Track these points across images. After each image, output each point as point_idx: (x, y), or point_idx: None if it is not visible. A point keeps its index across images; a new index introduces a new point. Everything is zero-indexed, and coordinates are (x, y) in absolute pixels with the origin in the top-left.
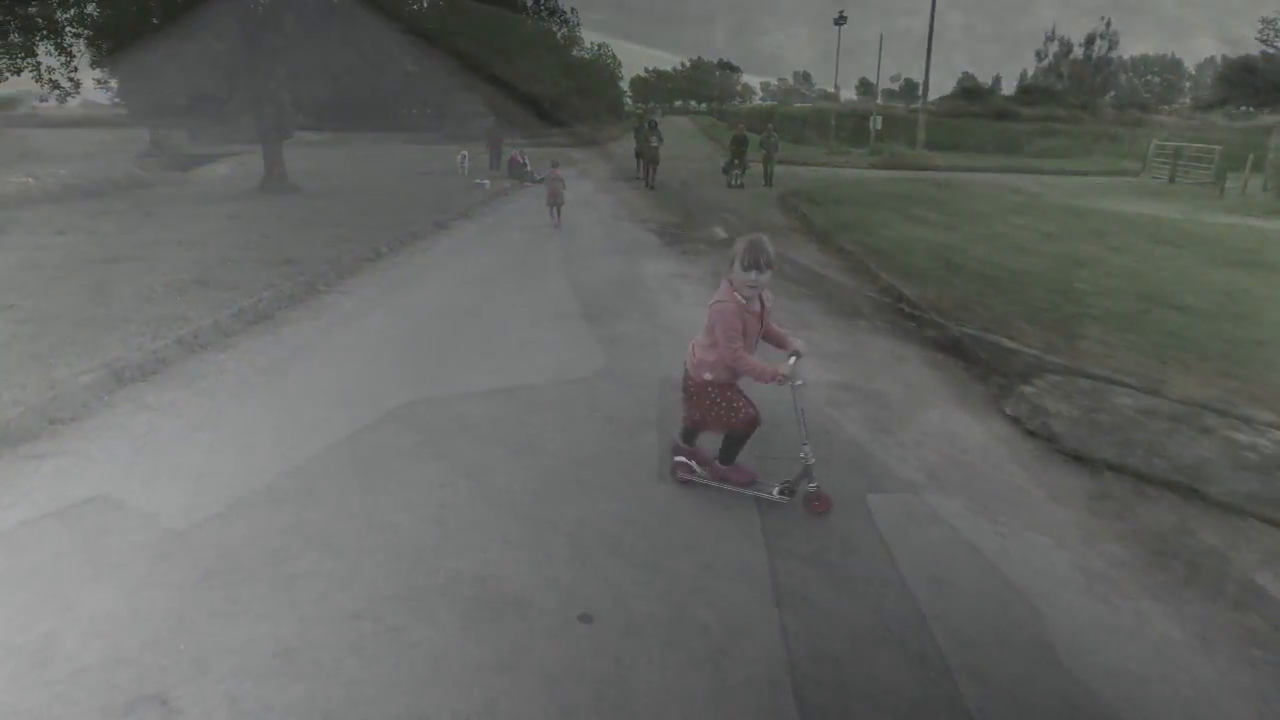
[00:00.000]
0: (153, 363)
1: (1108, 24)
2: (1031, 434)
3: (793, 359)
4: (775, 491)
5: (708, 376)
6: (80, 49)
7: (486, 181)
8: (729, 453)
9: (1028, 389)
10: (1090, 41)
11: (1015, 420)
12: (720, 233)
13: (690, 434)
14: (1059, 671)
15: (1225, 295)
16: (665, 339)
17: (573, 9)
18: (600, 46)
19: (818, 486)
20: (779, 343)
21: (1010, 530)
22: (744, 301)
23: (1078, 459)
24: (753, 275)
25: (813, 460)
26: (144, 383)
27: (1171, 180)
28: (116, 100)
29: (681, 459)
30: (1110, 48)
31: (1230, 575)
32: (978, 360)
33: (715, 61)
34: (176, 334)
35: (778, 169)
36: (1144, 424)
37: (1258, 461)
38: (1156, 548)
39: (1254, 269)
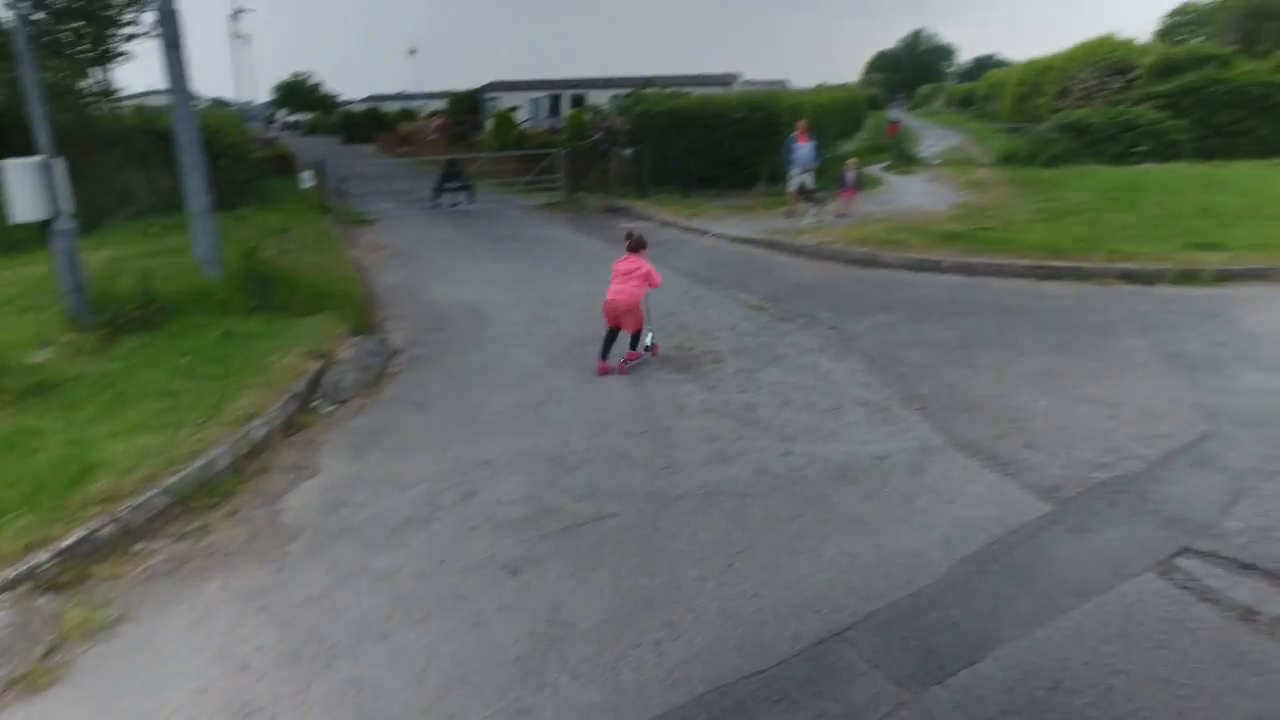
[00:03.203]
0: None
1: None
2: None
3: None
4: (645, 352)
5: (643, 295)
6: None
7: None
8: (637, 342)
9: None
10: None
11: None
12: None
13: (608, 349)
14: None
15: None
16: None
17: None
18: None
19: (655, 341)
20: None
21: None
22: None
23: None
24: (646, 250)
25: (654, 328)
26: None
27: None
28: None
29: (608, 365)
30: None
31: None
32: None
33: None
34: None
35: None
36: None
37: None
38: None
39: None
